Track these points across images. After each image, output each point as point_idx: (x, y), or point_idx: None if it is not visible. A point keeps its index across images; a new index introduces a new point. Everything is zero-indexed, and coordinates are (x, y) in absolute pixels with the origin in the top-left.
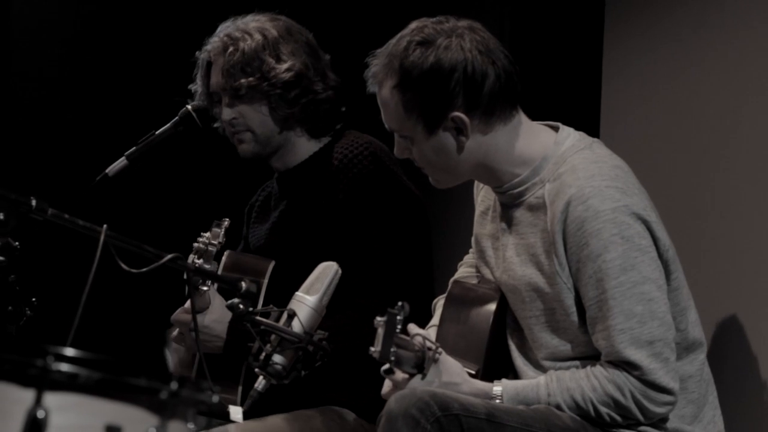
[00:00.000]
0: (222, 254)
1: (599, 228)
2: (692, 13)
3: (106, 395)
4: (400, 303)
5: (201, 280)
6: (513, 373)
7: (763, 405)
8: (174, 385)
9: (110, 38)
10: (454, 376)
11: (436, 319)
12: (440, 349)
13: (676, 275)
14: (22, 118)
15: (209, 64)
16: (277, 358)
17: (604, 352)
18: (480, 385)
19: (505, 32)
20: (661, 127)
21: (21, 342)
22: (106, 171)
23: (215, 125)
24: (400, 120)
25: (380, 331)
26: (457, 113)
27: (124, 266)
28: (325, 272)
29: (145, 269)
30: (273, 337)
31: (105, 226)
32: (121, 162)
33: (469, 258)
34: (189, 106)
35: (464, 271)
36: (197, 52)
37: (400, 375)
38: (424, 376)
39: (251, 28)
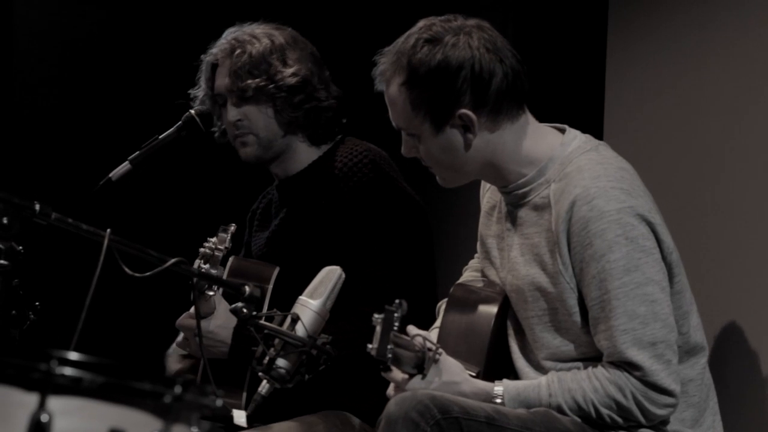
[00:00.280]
0: (228, 259)
1: (604, 228)
2: (696, 15)
3: (110, 399)
4: (397, 300)
5: (206, 285)
6: (514, 375)
7: (763, 411)
8: (178, 389)
9: (113, 42)
10: (454, 376)
11: (438, 322)
12: (440, 350)
13: (679, 278)
14: (26, 122)
15: (214, 67)
16: (281, 362)
17: (606, 353)
18: (481, 384)
19: (508, 34)
20: (665, 129)
21: (24, 346)
22: (110, 175)
23: (213, 130)
24: (408, 118)
25: (378, 329)
26: (464, 110)
27: (127, 270)
28: (329, 276)
29: (148, 273)
30: (277, 341)
31: (108, 230)
32: (125, 166)
33: (474, 262)
34: (192, 111)
35: (469, 275)
36: (201, 56)
37: (399, 374)
38: (424, 376)
39: (258, 33)
